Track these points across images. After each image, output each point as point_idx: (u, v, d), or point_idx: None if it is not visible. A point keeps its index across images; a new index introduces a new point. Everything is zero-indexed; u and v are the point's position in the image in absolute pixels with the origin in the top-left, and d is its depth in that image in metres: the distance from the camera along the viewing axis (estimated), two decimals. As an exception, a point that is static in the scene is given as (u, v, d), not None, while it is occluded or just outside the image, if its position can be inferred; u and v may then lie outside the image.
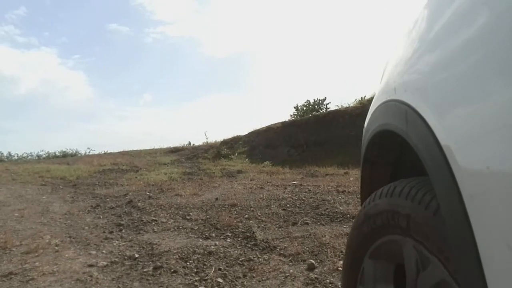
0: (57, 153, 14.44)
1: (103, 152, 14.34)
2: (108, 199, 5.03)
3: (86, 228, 3.60)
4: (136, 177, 7.30)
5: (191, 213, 4.07)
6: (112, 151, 14.20)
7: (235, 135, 13.74)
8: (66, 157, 13.35)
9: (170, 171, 8.07)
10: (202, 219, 3.84)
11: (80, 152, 14.51)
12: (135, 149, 13.96)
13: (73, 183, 6.59)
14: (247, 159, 11.09)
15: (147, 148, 14.41)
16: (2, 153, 13.32)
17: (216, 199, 4.75)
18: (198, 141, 15.70)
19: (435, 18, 0.80)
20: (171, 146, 14.10)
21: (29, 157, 13.83)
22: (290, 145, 11.95)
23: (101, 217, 4.05)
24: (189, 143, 15.15)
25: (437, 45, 0.74)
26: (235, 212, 4.09)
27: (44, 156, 14.12)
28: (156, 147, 14.46)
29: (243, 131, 15.09)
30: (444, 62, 0.68)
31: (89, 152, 14.48)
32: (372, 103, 1.19)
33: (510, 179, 0.46)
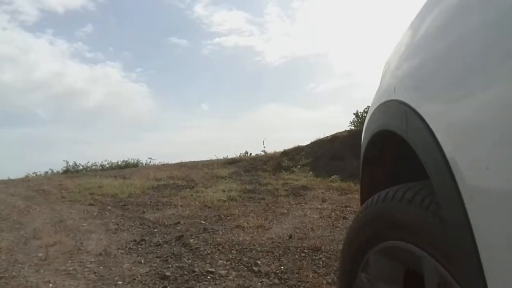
0: (120, 163, 14.17)
1: (161, 163, 13.97)
2: (156, 230, 4.05)
3: (120, 282, 2.59)
4: (191, 195, 6.37)
5: (259, 261, 2.92)
6: (170, 162, 13.76)
7: (296, 146, 12.51)
8: (127, 168, 13.06)
9: (228, 187, 7.06)
10: (275, 273, 2.67)
11: (141, 161, 14.19)
12: (193, 159, 13.39)
13: (123, 203, 5.79)
14: (311, 172, 9.79)
15: (205, 159, 13.73)
16: (69, 163, 13.22)
17: (290, 236, 3.56)
18: (256, 150, 14.84)
19: (431, 18, 0.79)
20: (229, 157, 13.25)
21: (93, 166, 13.68)
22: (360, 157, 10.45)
23: (143, 261, 3.04)
24: (246, 153, 14.31)
25: (435, 45, 0.72)
26: (321, 262, 2.86)
27: (107, 165, 13.90)
28: (213, 157, 13.79)
29: (304, 141, 13.91)
30: (443, 62, 0.67)
31: (149, 161, 14.14)
32: (372, 102, 1.16)
33: (510, 180, 0.45)
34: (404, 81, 0.86)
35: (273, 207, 5.12)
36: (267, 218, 4.41)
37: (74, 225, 4.28)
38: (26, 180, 8.03)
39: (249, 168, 11.07)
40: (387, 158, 1.12)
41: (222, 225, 4.13)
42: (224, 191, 6.74)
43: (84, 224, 4.34)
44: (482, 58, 0.53)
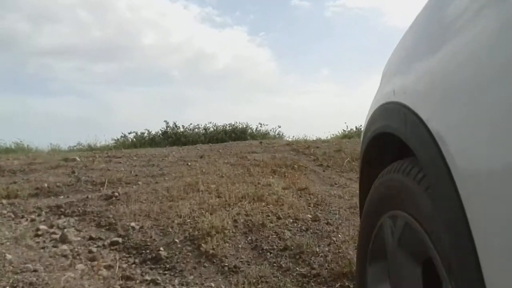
0: (227, 127, 10.93)
1: (273, 130, 10.72)
2: None
3: None
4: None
5: None
6: (282, 134, 10.36)
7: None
8: (233, 133, 10.23)
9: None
10: None
11: (251, 126, 11.00)
12: (311, 131, 9.66)
13: None
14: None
15: (329, 132, 9.75)
16: (168, 124, 10.66)
17: None
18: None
19: (432, 20, 0.77)
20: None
21: (195, 129, 10.82)
22: None
23: None
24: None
25: (435, 47, 0.70)
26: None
27: (211, 129, 10.87)
28: (338, 129, 9.98)
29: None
30: (443, 64, 0.65)
31: (260, 127, 10.96)
32: (371, 104, 1.13)
33: (509, 180, 0.43)
34: (403, 83, 0.84)
35: None
36: None
37: None
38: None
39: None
40: (386, 160, 1.08)
41: None
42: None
43: None
44: (481, 59, 0.52)
